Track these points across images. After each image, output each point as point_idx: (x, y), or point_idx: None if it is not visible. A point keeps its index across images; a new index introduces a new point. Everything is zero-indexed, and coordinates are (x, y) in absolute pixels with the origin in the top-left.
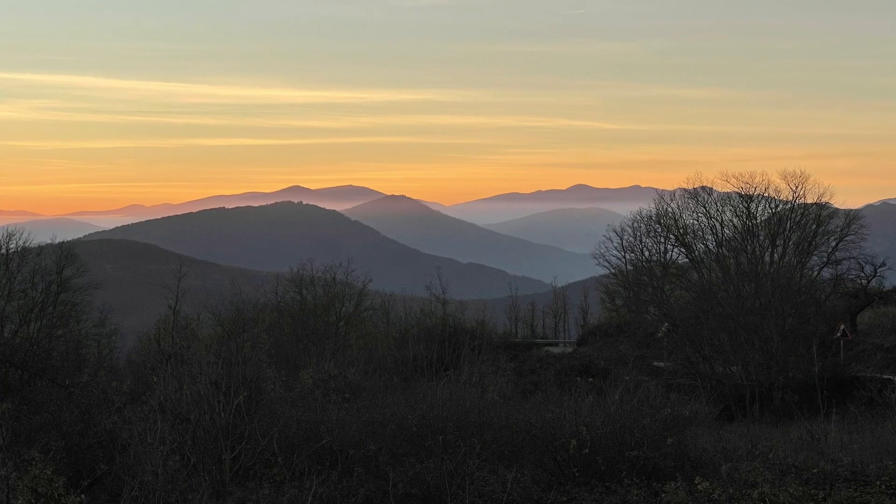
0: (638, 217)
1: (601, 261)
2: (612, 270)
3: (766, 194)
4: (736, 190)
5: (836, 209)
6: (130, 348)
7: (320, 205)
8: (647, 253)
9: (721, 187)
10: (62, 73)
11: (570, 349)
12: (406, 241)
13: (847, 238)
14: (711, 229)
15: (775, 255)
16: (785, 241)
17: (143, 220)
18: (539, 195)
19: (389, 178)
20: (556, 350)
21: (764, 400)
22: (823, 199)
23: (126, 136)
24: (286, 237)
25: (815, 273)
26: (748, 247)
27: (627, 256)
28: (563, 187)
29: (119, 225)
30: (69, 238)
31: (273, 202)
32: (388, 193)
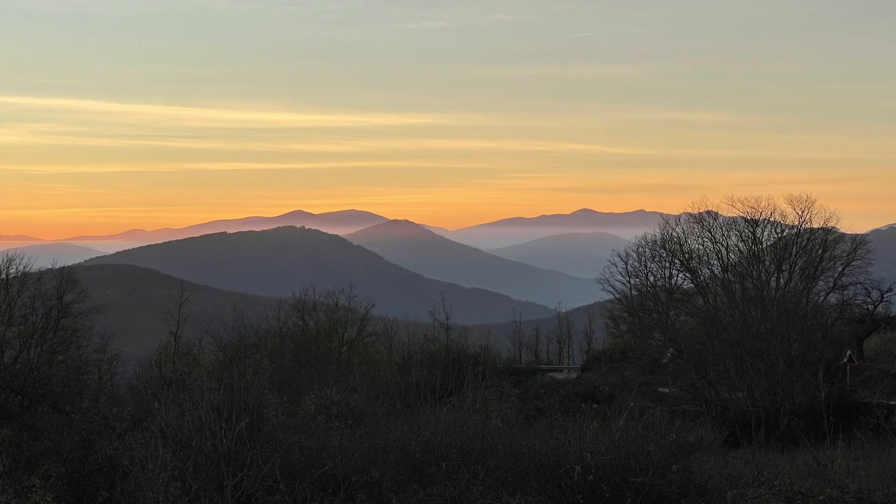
0: (643, 242)
1: (606, 286)
2: (617, 296)
3: (771, 219)
4: (741, 214)
5: (843, 234)
6: (132, 374)
7: (323, 230)
8: (651, 278)
9: (726, 212)
10: (63, 97)
11: (574, 375)
12: (409, 266)
13: (853, 263)
14: (717, 254)
15: (781, 280)
16: (791, 266)
17: (144, 244)
18: (543, 220)
19: (392, 203)
20: (560, 376)
21: (770, 426)
22: (830, 224)
23: (127, 160)
24: (288, 262)
25: (822, 298)
26: (754, 272)
27: (632, 281)
28: (568, 212)
29: (120, 250)
30: (70, 263)
31: (275, 227)
32: (391, 218)
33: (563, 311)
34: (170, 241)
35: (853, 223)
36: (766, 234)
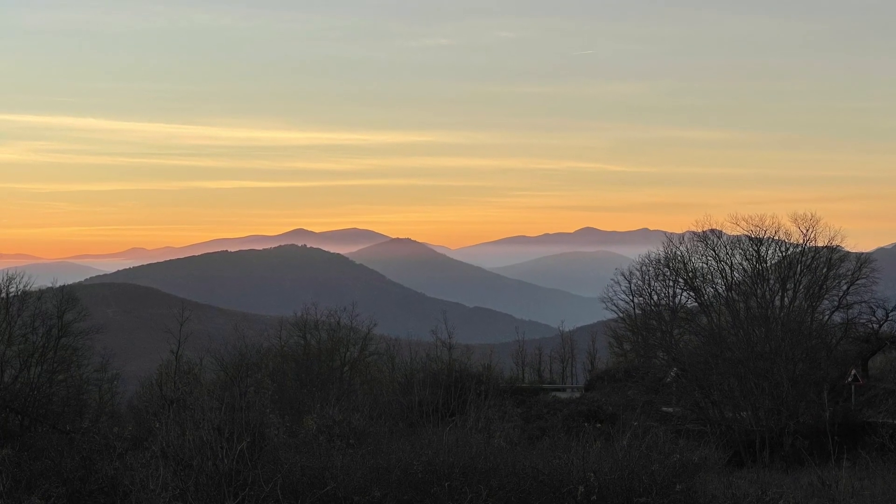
0: (646, 260)
1: (609, 305)
2: (621, 314)
3: (776, 237)
4: (746, 233)
5: (848, 252)
6: (132, 393)
7: (324, 248)
8: (655, 297)
9: (731, 230)
10: (63, 114)
11: (577, 394)
12: (411, 284)
13: (858, 282)
14: (721, 273)
15: (785, 299)
16: (795, 284)
17: (144, 263)
18: (546, 238)
19: (394, 221)
20: (563, 395)
21: (774, 446)
22: (834, 243)
23: (127, 178)
24: (290, 281)
25: (826, 317)
26: (758, 290)
27: (636, 300)
28: (571, 230)
29: (121, 268)
30: (70, 282)
31: (276, 245)
32: (393, 236)
33: (567, 329)
34: (171, 260)
35: (858, 241)
36: (770, 252)
